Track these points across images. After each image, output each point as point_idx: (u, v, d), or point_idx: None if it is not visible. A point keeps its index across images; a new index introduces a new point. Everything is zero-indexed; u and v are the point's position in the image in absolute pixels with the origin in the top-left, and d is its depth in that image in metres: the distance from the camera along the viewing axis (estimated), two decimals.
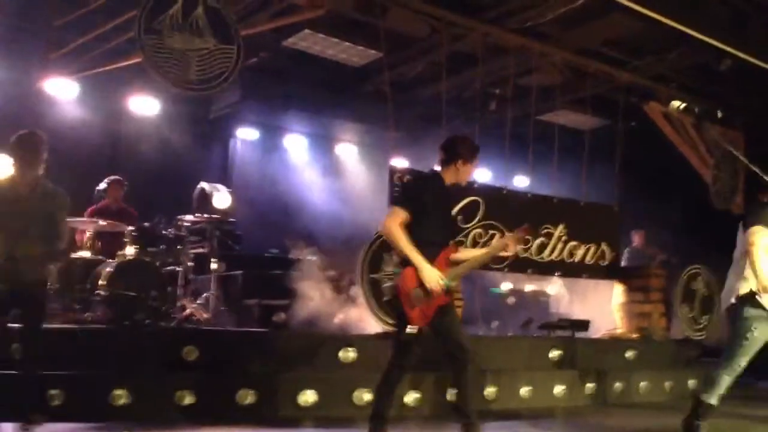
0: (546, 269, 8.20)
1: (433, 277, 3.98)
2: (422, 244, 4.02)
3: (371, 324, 6.03)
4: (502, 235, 7.79)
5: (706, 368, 7.92)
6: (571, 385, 6.60)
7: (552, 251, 8.16)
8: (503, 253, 4.42)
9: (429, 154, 10.05)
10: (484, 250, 4.46)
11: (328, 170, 10.44)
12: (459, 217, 7.53)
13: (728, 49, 8.37)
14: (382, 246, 6.10)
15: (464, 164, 4.28)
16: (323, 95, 9.68)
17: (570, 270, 8.10)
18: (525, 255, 7.98)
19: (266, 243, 8.45)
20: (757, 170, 3.19)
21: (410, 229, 4.04)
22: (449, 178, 4.29)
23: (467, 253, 4.41)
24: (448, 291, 4.10)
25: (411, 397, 5.66)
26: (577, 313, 8.19)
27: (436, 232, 4.15)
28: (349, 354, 5.70)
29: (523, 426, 5.69)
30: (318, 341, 5.88)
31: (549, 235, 8.18)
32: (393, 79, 9.38)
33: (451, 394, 6.11)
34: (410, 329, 3.97)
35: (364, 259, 5.98)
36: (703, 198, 9.55)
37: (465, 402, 4.18)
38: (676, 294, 7.84)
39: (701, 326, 7.96)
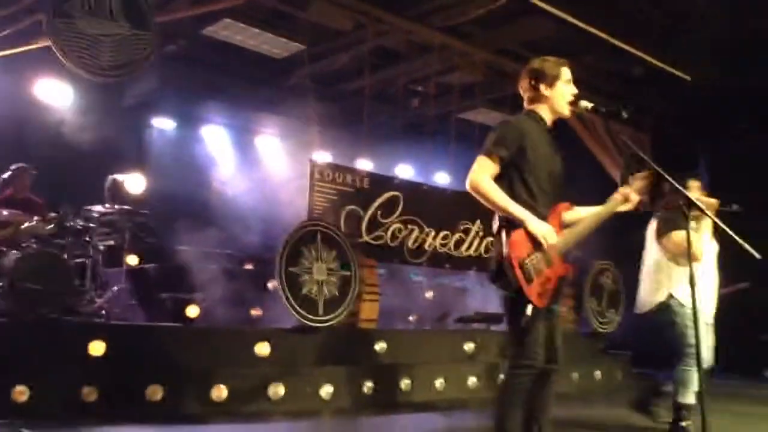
0: (463, 264, 8.37)
1: (546, 228, 3.12)
2: (522, 204, 3.17)
3: (288, 318, 5.97)
4: (421, 230, 7.92)
5: (615, 361, 8.33)
6: (484, 376, 6.75)
7: (469, 247, 8.33)
8: (624, 207, 3.41)
9: (351, 149, 10.14)
10: (600, 208, 3.39)
11: (247, 162, 10.28)
12: (378, 212, 7.60)
13: (639, 54, 8.75)
14: (301, 239, 6.08)
15: (549, 87, 3.34)
16: (244, 86, 9.52)
17: (486, 265, 8.26)
18: (443, 250, 8.13)
19: (182, 236, 8.25)
20: (662, 172, 3.32)
21: (505, 184, 3.20)
22: (545, 113, 3.39)
23: (578, 214, 3.40)
24: (568, 260, 3.28)
25: (325, 392, 5.65)
26: (494, 307, 8.37)
27: (541, 187, 3.25)
28: (264, 348, 5.65)
29: (438, 417, 5.78)
30: (232, 335, 5.80)
31: (467, 231, 8.35)
32: (316, 73, 9.35)
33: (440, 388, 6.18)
34: (530, 309, 3.04)
35: (283, 253, 5.92)
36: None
37: (544, 421, 3.26)
38: (585, 288, 8.13)
39: (608, 320, 8.29)
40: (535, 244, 3.10)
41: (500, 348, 7.14)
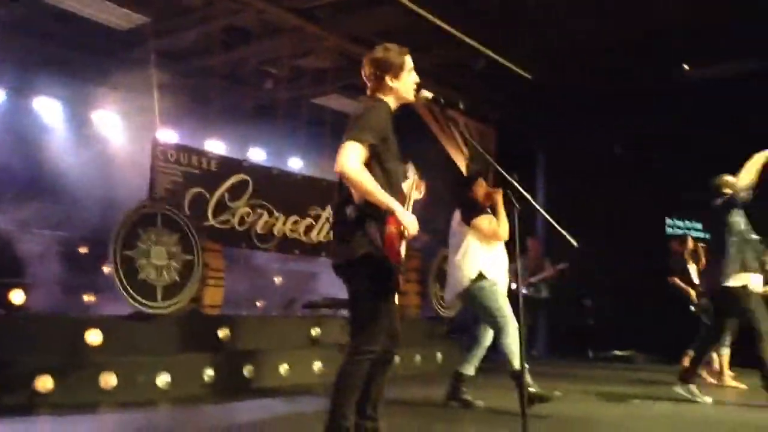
0: (313, 250, 8.36)
1: (412, 219, 3.14)
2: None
3: (122, 304, 5.68)
4: (270, 215, 7.81)
5: (454, 343, 8.69)
6: (329, 361, 6.79)
7: (319, 232, 8.34)
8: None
9: (200, 130, 9.77)
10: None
11: (84, 138, 9.60)
12: (226, 196, 7.41)
13: (485, 50, 9.11)
14: (139, 221, 5.80)
15: (395, 78, 3.37)
16: (82, 58, 8.87)
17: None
18: (293, 235, 8.07)
19: (10, 215, 7.60)
20: (494, 163, 3.48)
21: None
22: (391, 102, 3.39)
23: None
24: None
25: (162, 380, 5.44)
26: (343, 292, 8.43)
27: (396, 177, 3.28)
28: (95, 336, 5.33)
29: (281, 403, 5.74)
30: (59, 323, 5.43)
31: (317, 217, 8.35)
32: (162, 48, 8.91)
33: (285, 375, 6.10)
34: (397, 298, 3.20)
35: (117, 235, 5.61)
36: None
37: (378, 403, 3.40)
38: (430, 274, 8.40)
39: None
40: (401, 234, 3.13)
41: (347, 333, 7.21)
